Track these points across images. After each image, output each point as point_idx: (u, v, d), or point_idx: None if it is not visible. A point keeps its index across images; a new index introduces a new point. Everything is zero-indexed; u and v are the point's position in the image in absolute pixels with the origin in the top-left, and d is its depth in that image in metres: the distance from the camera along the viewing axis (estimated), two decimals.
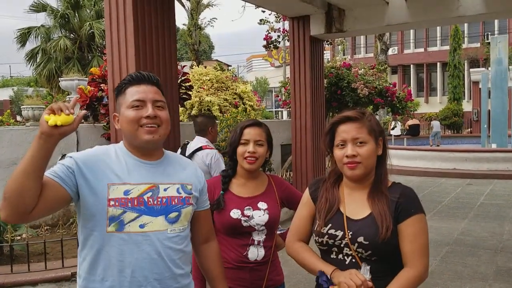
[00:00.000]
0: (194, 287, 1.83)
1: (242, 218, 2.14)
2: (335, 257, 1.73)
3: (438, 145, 18.35)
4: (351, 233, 1.68)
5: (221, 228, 2.17)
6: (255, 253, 2.15)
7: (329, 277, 1.69)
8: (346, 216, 1.72)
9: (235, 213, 2.15)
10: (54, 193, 1.51)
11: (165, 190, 1.67)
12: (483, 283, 4.58)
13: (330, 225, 1.73)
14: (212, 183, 2.23)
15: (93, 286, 1.59)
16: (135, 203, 1.59)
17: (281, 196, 2.27)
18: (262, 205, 2.18)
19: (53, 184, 1.52)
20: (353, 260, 1.68)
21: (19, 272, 4.38)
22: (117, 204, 1.57)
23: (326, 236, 1.73)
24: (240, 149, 2.18)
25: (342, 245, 1.70)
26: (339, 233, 1.70)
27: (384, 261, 1.66)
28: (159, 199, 1.65)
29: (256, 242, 2.16)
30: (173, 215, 1.67)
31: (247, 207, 2.16)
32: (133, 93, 1.67)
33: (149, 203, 1.62)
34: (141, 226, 1.60)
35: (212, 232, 1.96)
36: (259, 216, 2.15)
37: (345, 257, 1.70)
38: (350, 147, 1.69)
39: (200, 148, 3.93)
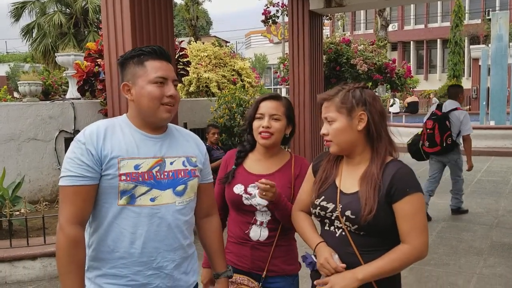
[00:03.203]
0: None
1: (244, 195, 2.06)
2: (328, 228, 1.77)
3: None
4: (341, 206, 1.69)
5: (228, 202, 2.14)
6: (258, 232, 2.07)
7: (314, 260, 1.75)
8: (340, 190, 1.74)
9: (237, 189, 2.08)
10: (93, 194, 1.59)
11: (171, 163, 1.69)
12: (478, 258, 4.64)
13: (323, 197, 1.76)
14: (230, 157, 2.20)
15: (103, 256, 1.62)
16: (146, 177, 1.61)
17: (299, 179, 2.08)
18: None
19: (91, 188, 1.57)
20: (343, 233, 1.70)
21: (18, 247, 4.41)
22: (128, 178, 1.58)
23: (318, 207, 1.76)
24: (255, 123, 2.08)
25: (333, 218, 1.72)
26: (330, 206, 1.72)
27: (372, 236, 1.66)
28: (166, 173, 1.66)
29: (258, 223, 2.07)
30: (180, 188, 1.70)
31: (252, 185, 2.05)
32: (156, 68, 1.65)
33: (158, 177, 1.64)
34: (152, 200, 1.62)
35: (213, 206, 1.95)
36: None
37: (336, 230, 1.73)
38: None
39: (455, 109, 5.85)
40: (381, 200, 1.63)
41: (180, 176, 1.70)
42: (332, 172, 1.80)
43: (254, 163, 2.15)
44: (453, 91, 6.18)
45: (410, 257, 1.63)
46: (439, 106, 5.98)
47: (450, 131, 5.77)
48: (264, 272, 2.06)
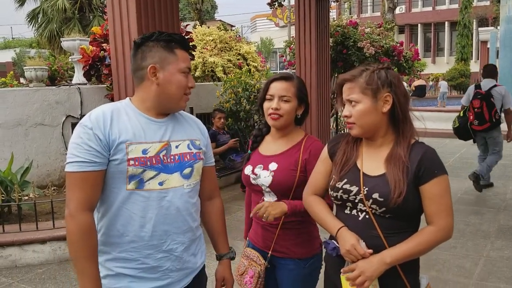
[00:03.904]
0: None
1: (251, 175, 2.10)
2: (349, 212, 1.73)
3: (443, 106, 18.21)
4: (366, 189, 1.66)
5: (244, 182, 2.20)
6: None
7: (336, 245, 1.70)
8: (363, 172, 1.70)
9: (247, 169, 2.14)
10: (101, 179, 1.59)
11: (176, 147, 1.70)
12: (485, 241, 4.64)
13: (345, 180, 1.72)
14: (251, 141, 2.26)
15: (113, 241, 1.63)
16: (153, 162, 1.62)
17: (307, 160, 2.07)
18: (272, 166, 2.07)
19: (99, 174, 1.57)
20: (367, 217, 1.67)
21: (27, 231, 4.46)
22: (136, 163, 1.58)
23: (341, 190, 1.71)
24: (265, 105, 2.08)
25: (356, 201, 1.68)
26: (354, 189, 1.68)
27: (399, 218, 1.63)
28: (172, 157, 1.67)
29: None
30: (187, 171, 1.71)
31: (259, 165, 2.10)
32: (184, 58, 1.69)
33: (164, 161, 1.65)
34: (160, 184, 1.63)
35: (215, 189, 1.97)
36: (265, 176, 2.06)
37: (359, 213, 1.69)
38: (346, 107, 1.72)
39: (495, 85, 6.25)
40: (409, 182, 1.61)
41: (186, 159, 1.71)
42: (353, 154, 1.76)
43: (267, 145, 2.18)
44: (489, 69, 6.58)
45: (437, 239, 1.62)
46: (478, 86, 6.39)
47: (495, 107, 6.14)
48: (270, 252, 2.09)
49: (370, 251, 1.61)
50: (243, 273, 2.12)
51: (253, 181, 2.11)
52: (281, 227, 2.07)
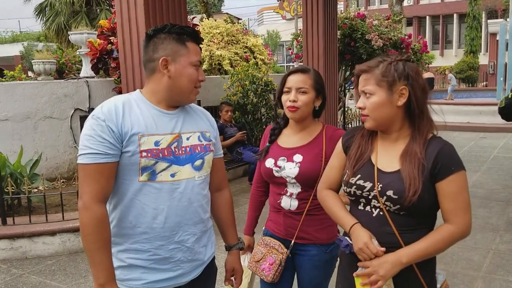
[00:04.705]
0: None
1: (274, 168, 2.11)
2: (362, 208, 1.68)
3: (452, 99, 18.06)
4: (381, 185, 1.61)
5: (263, 175, 2.21)
6: (288, 203, 2.13)
7: (350, 242, 1.66)
8: (378, 168, 1.65)
9: (268, 162, 2.15)
10: (115, 171, 1.60)
11: (187, 139, 1.71)
12: (494, 234, 4.62)
13: (359, 175, 1.67)
14: (266, 133, 2.26)
15: (125, 232, 1.64)
16: (165, 153, 1.63)
17: (331, 150, 2.03)
18: (297, 157, 2.09)
19: (113, 166, 1.58)
20: (381, 213, 1.62)
21: (37, 223, 4.51)
22: (149, 155, 1.59)
23: (354, 186, 1.67)
24: (283, 97, 2.11)
25: (370, 197, 1.64)
26: (368, 185, 1.63)
27: (414, 216, 1.59)
28: (183, 149, 1.68)
29: (289, 194, 2.12)
30: (198, 162, 1.72)
31: (281, 158, 2.11)
32: (196, 52, 1.70)
33: (176, 152, 1.66)
34: (172, 175, 1.64)
35: (224, 180, 1.98)
36: (290, 168, 2.07)
37: (373, 209, 1.65)
38: (361, 99, 1.67)
39: None
40: (425, 179, 1.55)
41: (197, 151, 1.72)
42: (367, 149, 1.70)
43: (286, 138, 2.19)
44: None
45: (455, 237, 1.57)
46: None
47: None
48: (293, 239, 2.12)
49: (383, 249, 1.57)
50: (260, 259, 2.14)
51: (276, 174, 2.12)
52: (305, 213, 2.10)
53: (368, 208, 1.67)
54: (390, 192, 1.58)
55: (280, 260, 2.10)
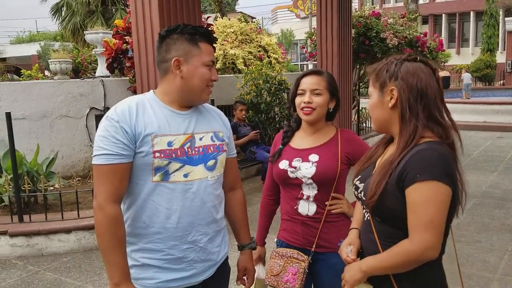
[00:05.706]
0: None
1: (289, 169, 2.06)
2: (362, 211, 1.68)
3: (468, 98, 17.84)
4: (361, 187, 1.60)
5: (275, 178, 2.16)
6: (306, 207, 2.07)
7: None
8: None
9: (282, 164, 2.10)
10: (128, 172, 1.61)
11: (200, 139, 1.71)
12: (510, 235, 4.55)
13: (359, 176, 1.66)
14: (278, 138, 2.23)
15: (139, 232, 1.66)
16: (179, 154, 1.64)
17: (347, 151, 2.05)
18: (313, 157, 2.04)
19: (127, 166, 1.59)
20: (368, 218, 1.58)
21: (53, 220, 4.57)
22: (162, 155, 1.60)
23: (354, 187, 1.67)
24: (297, 100, 2.08)
25: (360, 199, 1.63)
26: (361, 186, 1.60)
27: (390, 225, 1.48)
28: (196, 149, 1.69)
29: (305, 197, 2.06)
30: (211, 163, 1.73)
31: (296, 158, 2.07)
32: (208, 52, 1.70)
33: (189, 153, 1.66)
34: (185, 176, 1.65)
35: (237, 180, 1.98)
36: (306, 168, 2.02)
37: (365, 213, 1.62)
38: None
39: None
40: (391, 184, 1.43)
41: (210, 151, 1.73)
42: (377, 152, 1.67)
43: (299, 140, 2.16)
44: None
45: (410, 255, 1.39)
46: None
47: None
48: (313, 246, 2.06)
49: (353, 257, 1.58)
50: (279, 272, 2.07)
51: (291, 175, 2.07)
52: (324, 220, 2.06)
53: (364, 211, 1.66)
54: (361, 194, 1.59)
55: (304, 268, 2.03)
